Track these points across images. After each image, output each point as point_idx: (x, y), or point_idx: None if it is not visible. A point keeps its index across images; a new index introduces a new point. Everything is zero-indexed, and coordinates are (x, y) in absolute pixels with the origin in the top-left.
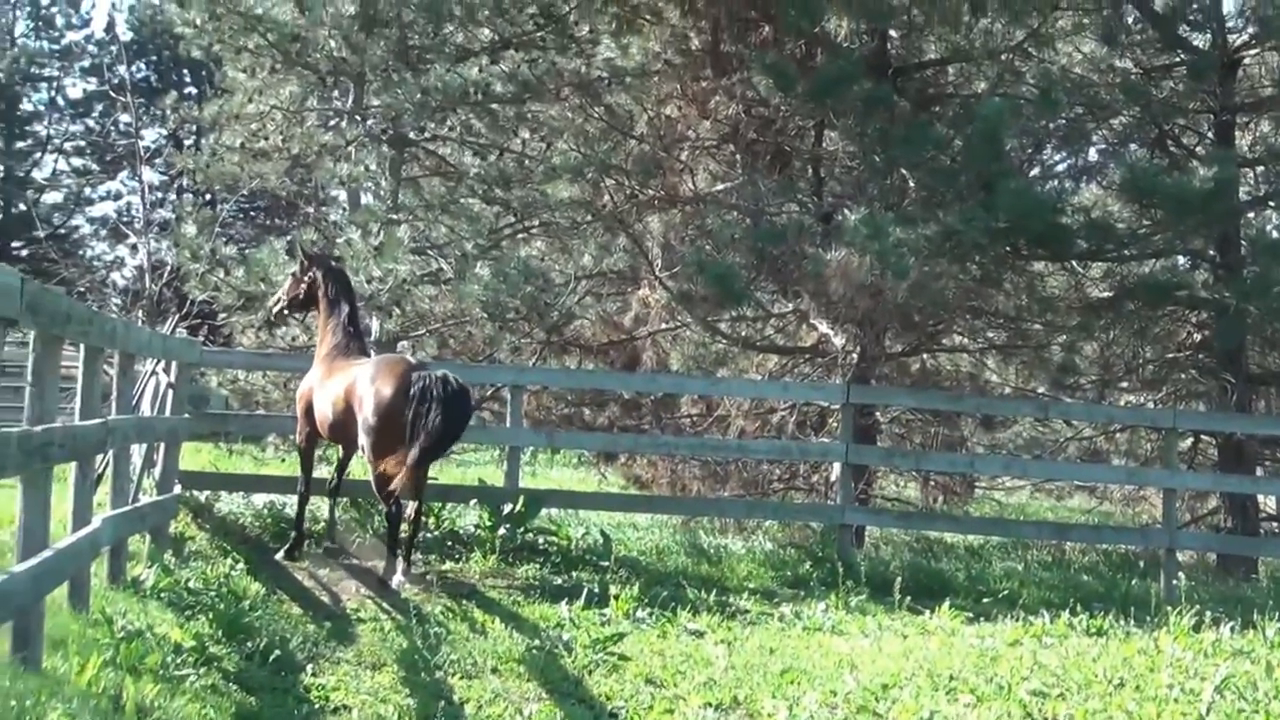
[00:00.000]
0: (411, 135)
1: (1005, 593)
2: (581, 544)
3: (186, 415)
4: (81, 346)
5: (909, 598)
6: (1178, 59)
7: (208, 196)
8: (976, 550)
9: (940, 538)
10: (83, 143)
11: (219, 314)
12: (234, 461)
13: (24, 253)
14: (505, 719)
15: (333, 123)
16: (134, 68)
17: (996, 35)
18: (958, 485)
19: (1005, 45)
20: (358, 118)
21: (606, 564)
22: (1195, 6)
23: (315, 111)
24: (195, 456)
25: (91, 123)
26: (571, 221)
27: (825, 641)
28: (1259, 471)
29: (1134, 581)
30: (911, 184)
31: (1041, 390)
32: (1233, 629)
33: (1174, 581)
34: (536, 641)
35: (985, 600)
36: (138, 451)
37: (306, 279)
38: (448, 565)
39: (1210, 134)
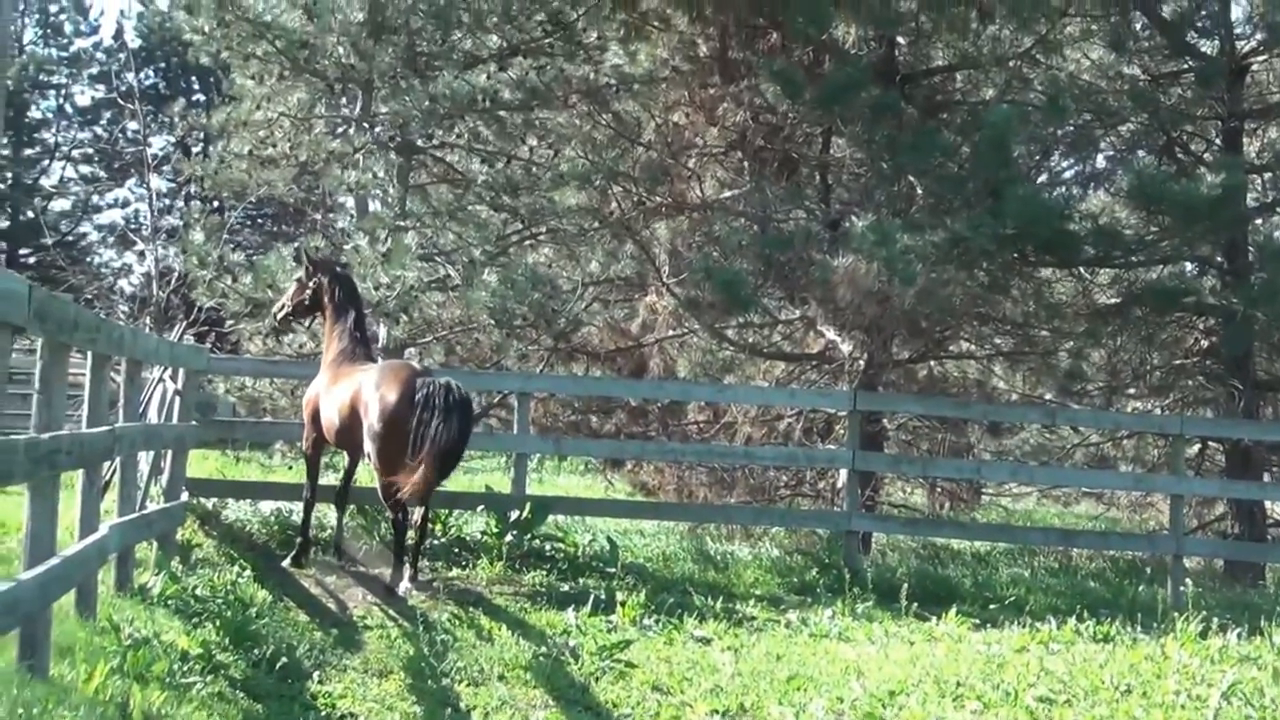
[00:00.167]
0: (419, 142)
1: (1012, 599)
2: (588, 551)
3: (194, 422)
4: (89, 354)
5: (916, 604)
6: (1185, 65)
7: (215, 203)
8: (983, 557)
9: (947, 544)
10: (91, 150)
11: (226, 321)
12: (241, 469)
13: (32, 260)
14: None
15: (341, 130)
16: (142, 75)
17: (1004, 42)
18: (964, 492)
19: (1013, 52)
20: (366, 125)
21: (613, 571)
22: (1203, 13)
23: (323, 118)
24: (202, 464)
25: (99, 130)
26: (579, 228)
27: (832, 648)
28: (1266, 478)
29: (1141, 588)
30: (919, 191)
31: (1049, 396)
32: (1240, 635)
33: (1181, 588)
34: (543, 648)
35: (992, 607)
36: (145, 459)
37: (311, 284)
38: (454, 572)
39: (1218, 140)
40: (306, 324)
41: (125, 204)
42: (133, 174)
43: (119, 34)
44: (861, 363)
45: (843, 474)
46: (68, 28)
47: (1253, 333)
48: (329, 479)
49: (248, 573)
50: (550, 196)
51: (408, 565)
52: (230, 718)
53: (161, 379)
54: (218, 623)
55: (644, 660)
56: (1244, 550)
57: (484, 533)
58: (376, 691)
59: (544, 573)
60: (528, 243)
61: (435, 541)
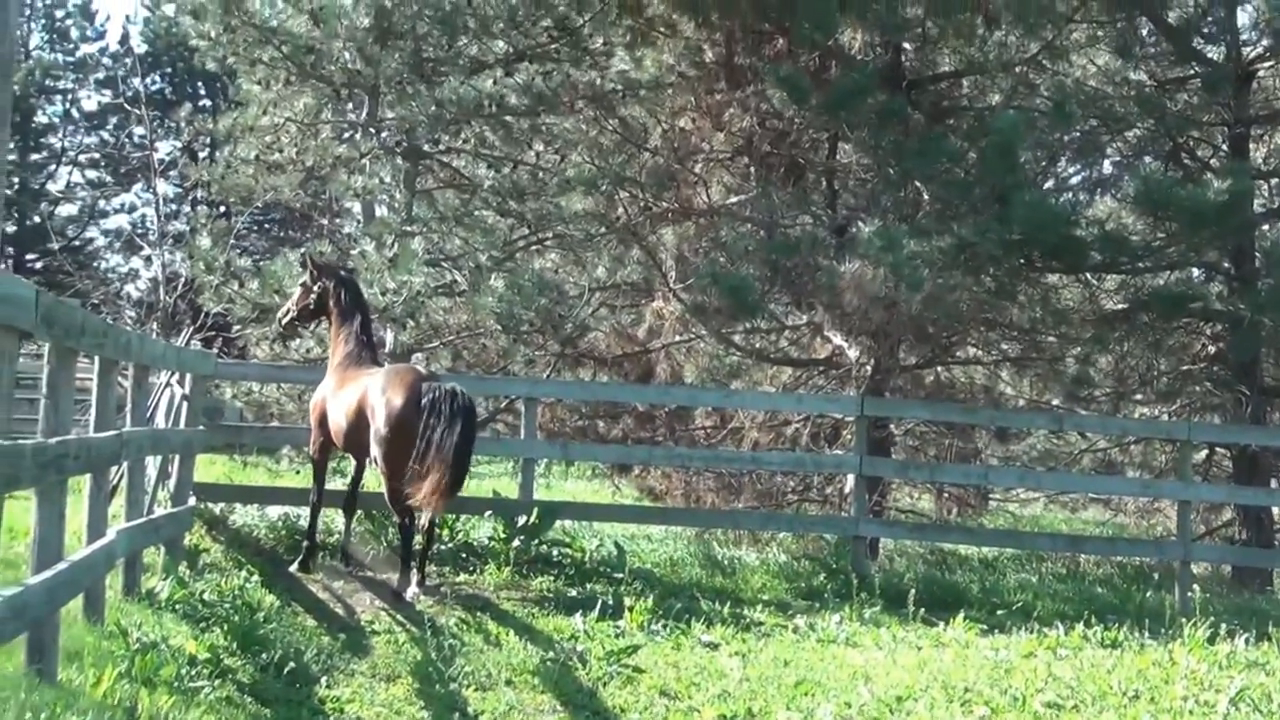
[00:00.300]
0: (426, 148)
1: (1020, 605)
2: (596, 556)
3: (201, 427)
4: (96, 359)
5: (923, 610)
6: (1192, 71)
7: (222, 209)
8: (991, 562)
9: (954, 550)
10: (97, 155)
11: (233, 326)
12: (248, 473)
13: (39, 265)
14: None
15: (347, 135)
16: (148, 80)
17: (1011, 48)
18: (972, 497)
19: (1019, 58)
20: (372, 130)
21: (621, 576)
22: (1209, 19)
23: (330, 124)
24: (210, 469)
25: (106, 135)
26: (585, 234)
27: (839, 653)
28: (1274, 483)
29: (1148, 594)
30: (926, 196)
31: (1056, 402)
32: (1247, 641)
33: (1188, 594)
34: (551, 653)
35: (1000, 612)
36: (152, 464)
37: (316, 289)
38: (462, 577)
39: (1224, 146)
40: (312, 329)
41: (132, 209)
42: (139, 179)
43: (125, 39)
44: (869, 368)
45: (850, 479)
46: (74, 33)
47: (1260, 338)
48: (336, 484)
49: (255, 578)
50: (557, 202)
51: (415, 570)
52: None
53: (169, 384)
54: (225, 627)
55: (651, 665)
56: (1251, 556)
57: (491, 538)
58: (384, 696)
59: (551, 578)
60: (534, 248)
61: (443, 546)
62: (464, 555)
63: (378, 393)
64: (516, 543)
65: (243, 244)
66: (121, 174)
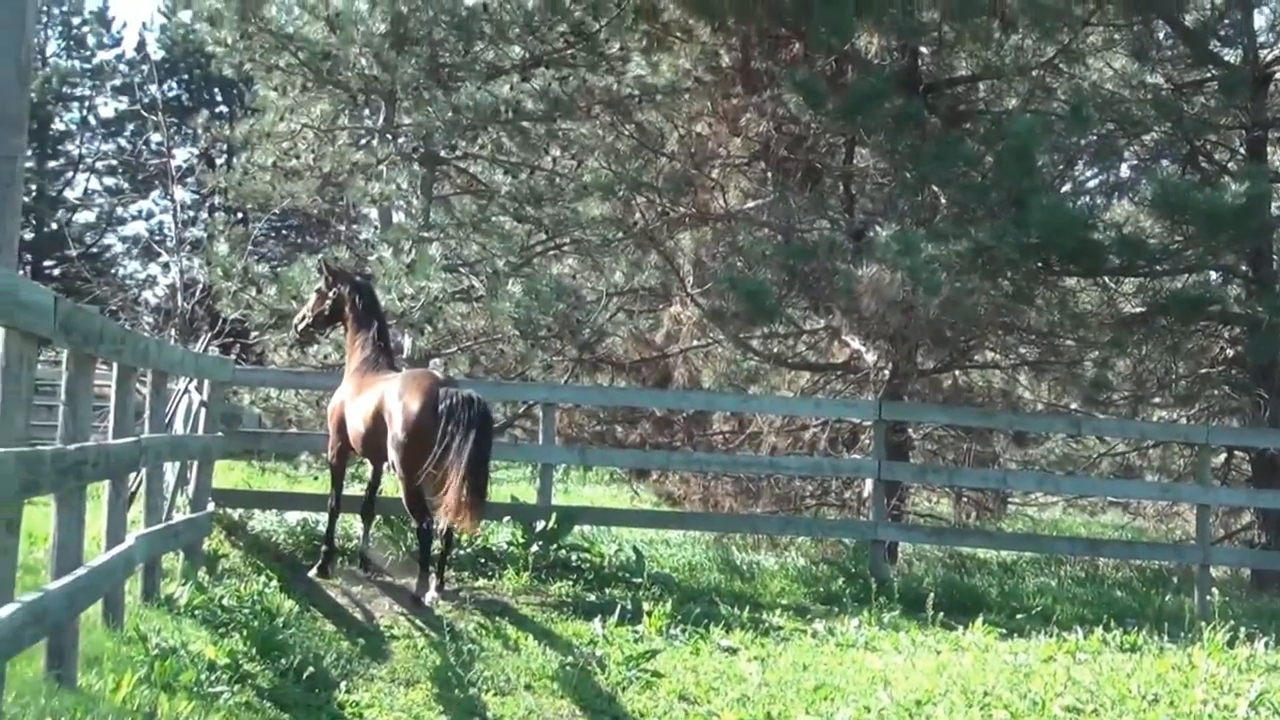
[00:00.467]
0: (443, 153)
1: (1039, 609)
2: (614, 561)
3: (219, 433)
4: (114, 365)
5: (942, 614)
6: (1209, 75)
7: (239, 215)
8: (1010, 566)
9: (973, 553)
10: (114, 162)
11: (251, 332)
12: (267, 479)
13: (56, 272)
14: None
15: (364, 141)
16: (165, 87)
17: (1027, 51)
18: (990, 501)
19: (1036, 61)
20: (389, 136)
21: (639, 580)
22: (1226, 22)
23: (347, 130)
24: (228, 474)
25: (123, 142)
26: (603, 239)
27: (859, 658)
28: None
29: (1168, 597)
30: (943, 200)
31: (1074, 406)
32: (1267, 644)
33: (1208, 597)
34: (570, 658)
35: (1019, 616)
36: (171, 469)
37: (332, 294)
38: (480, 582)
39: (1242, 149)
40: (329, 334)
41: (149, 216)
42: (157, 186)
43: (142, 46)
44: (886, 372)
45: (868, 484)
46: (90, 40)
47: (1278, 341)
48: (354, 489)
49: (274, 583)
50: (574, 207)
51: (434, 575)
52: None
53: (187, 390)
54: (245, 632)
55: (670, 670)
56: (1271, 559)
57: (510, 543)
58: (404, 701)
59: (570, 583)
60: (552, 253)
61: (461, 551)
62: (482, 560)
63: (395, 398)
64: (535, 548)
65: (260, 250)
66: (139, 180)
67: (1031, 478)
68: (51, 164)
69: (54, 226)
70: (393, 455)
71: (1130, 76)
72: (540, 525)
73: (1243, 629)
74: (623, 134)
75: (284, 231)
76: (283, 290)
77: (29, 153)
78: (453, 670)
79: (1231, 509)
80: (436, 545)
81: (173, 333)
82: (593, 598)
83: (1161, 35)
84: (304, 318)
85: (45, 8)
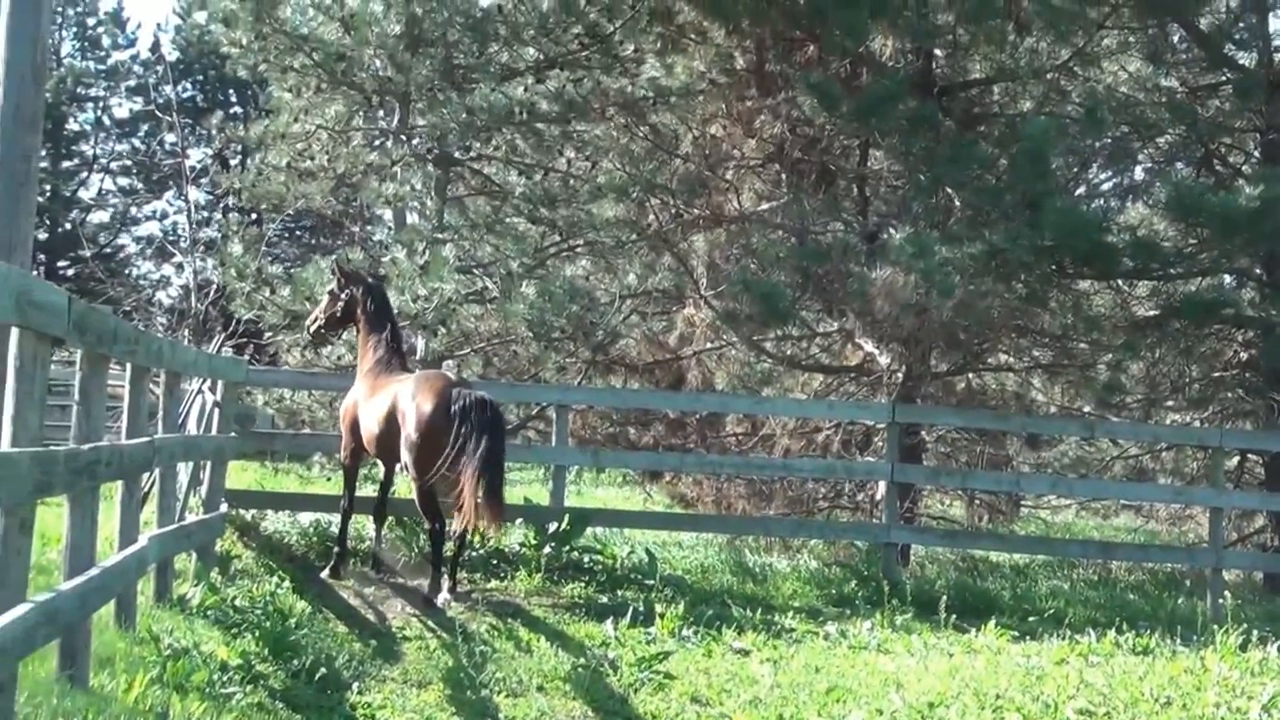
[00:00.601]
0: (457, 155)
1: (1051, 611)
2: (627, 562)
3: (232, 434)
4: (128, 365)
5: (955, 616)
6: (1224, 78)
7: (253, 216)
8: (1022, 569)
9: (986, 556)
10: (129, 162)
11: (265, 333)
12: (280, 480)
13: (70, 272)
14: None
15: (378, 142)
16: (180, 87)
17: (1042, 54)
18: (1003, 504)
19: (1050, 64)
20: (403, 137)
21: (652, 582)
22: (1241, 26)
23: (361, 131)
24: (241, 475)
25: (137, 142)
26: (616, 241)
27: (871, 660)
28: None
29: (1180, 600)
30: (957, 203)
31: (1087, 409)
32: None
33: (1220, 600)
34: (582, 660)
35: (1031, 619)
36: (184, 470)
37: (344, 296)
38: (493, 584)
39: (1256, 152)
40: (341, 336)
41: (163, 216)
42: (171, 186)
43: (156, 47)
44: (900, 375)
45: (881, 486)
46: (105, 40)
47: None
48: (367, 490)
49: (286, 584)
50: (588, 209)
51: (446, 577)
52: None
53: (200, 391)
54: (257, 633)
55: (683, 672)
56: None
57: (522, 544)
58: (416, 702)
59: (582, 584)
60: (565, 255)
61: (474, 553)
62: (495, 562)
63: (408, 398)
64: (548, 549)
65: (274, 251)
66: (153, 181)
67: (1044, 481)
68: (66, 164)
69: (68, 227)
70: (406, 456)
71: (1145, 79)
72: (553, 527)
73: (1255, 632)
74: (637, 136)
75: (298, 232)
76: (296, 291)
77: (43, 153)
78: (465, 672)
79: (1244, 512)
80: (449, 547)
81: (186, 333)
82: (605, 599)
83: (1176, 38)
84: (316, 319)
85: (60, 8)
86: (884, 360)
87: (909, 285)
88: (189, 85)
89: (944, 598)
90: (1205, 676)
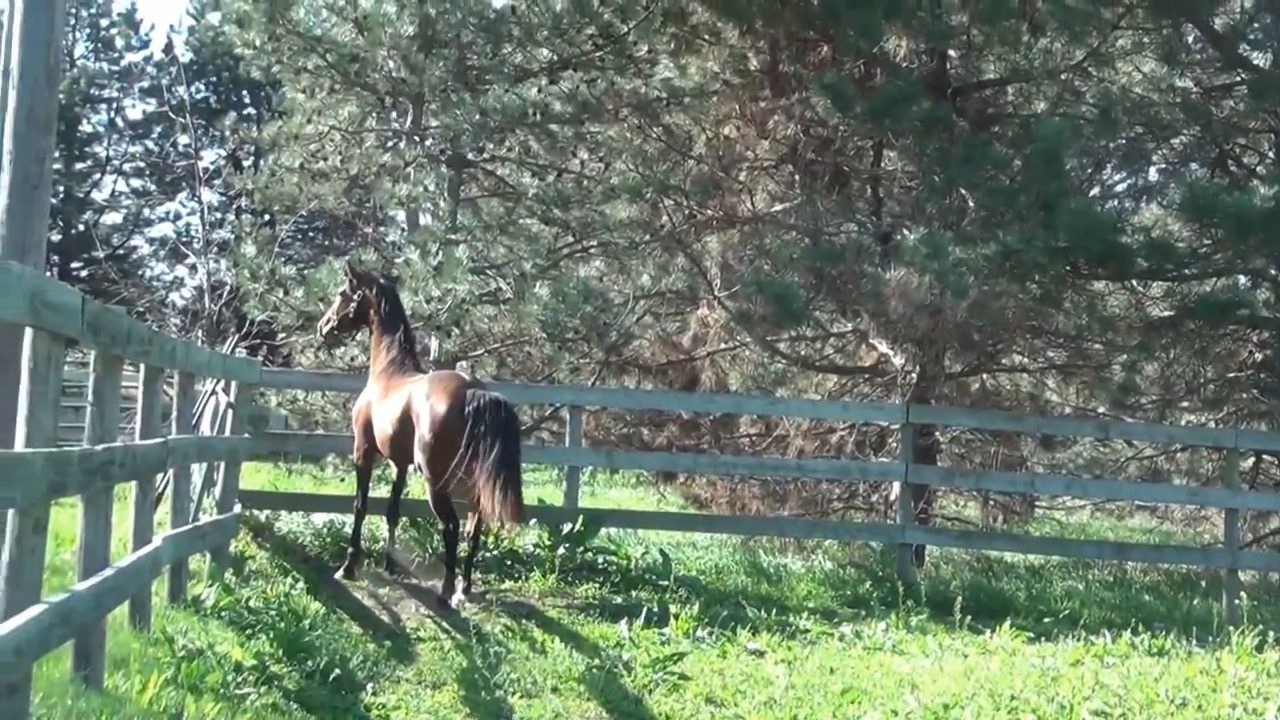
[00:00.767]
0: (470, 156)
1: (1066, 612)
2: (641, 563)
3: (246, 435)
4: (142, 366)
5: (969, 617)
6: (1238, 78)
7: (266, 217)
8: (1037, 570)
9: (1001, 557)
10: (142, 164)
11: (278, 334)
12: (293, 481)
13: (84, 273)
14: None
15: (391, 143)
16: (193, 89)
17: (1056, 55)
18: (1018, 505)
19: (1065, 65)
20: (416, 138)
21: (666, 583)
22: (1256, 26)
23: (374, 132)
24: (255, 476)
25: (151, 144)
26: (630, 241)
27: (886, 661)
28: None
29: (1196, 601)
30: (971, 204)
31: (1102, 410)
32: None
33: (1236, 601)
34: (596, 661)
35: (1046, 620)
36: (198, 471)
37: (356, 297)
38: (507, 584)
39: (1271, 153)
40: (354, 337)
41: (176, 217)
42: (184, 187)
43: (169, 48)
44: (914, 376)
45: (896, 487)
46: (119, 42)
47: None
48: (381, 491)
49: (300, 584)
50: (601, 210)
51: (460, 577)
52: None
53: (214, 392)
54: (271, 634)
55: (697, 673)
56: None
57: (536, 545)
58: (430, 703)
59: (597, 585)
60: (579, 256)
61: (488, 554)
62: (509, 562)
63: (422, 399)
64: (562, 550)
65: (287, 252)
66: (166, 182)
67: (1059, 481)
68: (79, 166)
69: (81, 228)
70: (419, 457)
71: (1159, 80)
72: (567, 527)
73: (1271, 633)
74: (650, 137)
75: (311, 233)
76: (310, 292)
77: (56, 154)
78: (479, 672)
79: (1260, 513)
80: (463, 547)
81: (200, 334)
82: (619, 600)
83: (1191, 39)
84: (329, 320)
85: (74, 10)
86: (898, 361)
87: (923, 286)
88: (202, 86)
89: (959, 598)
90: (1221, 678)
